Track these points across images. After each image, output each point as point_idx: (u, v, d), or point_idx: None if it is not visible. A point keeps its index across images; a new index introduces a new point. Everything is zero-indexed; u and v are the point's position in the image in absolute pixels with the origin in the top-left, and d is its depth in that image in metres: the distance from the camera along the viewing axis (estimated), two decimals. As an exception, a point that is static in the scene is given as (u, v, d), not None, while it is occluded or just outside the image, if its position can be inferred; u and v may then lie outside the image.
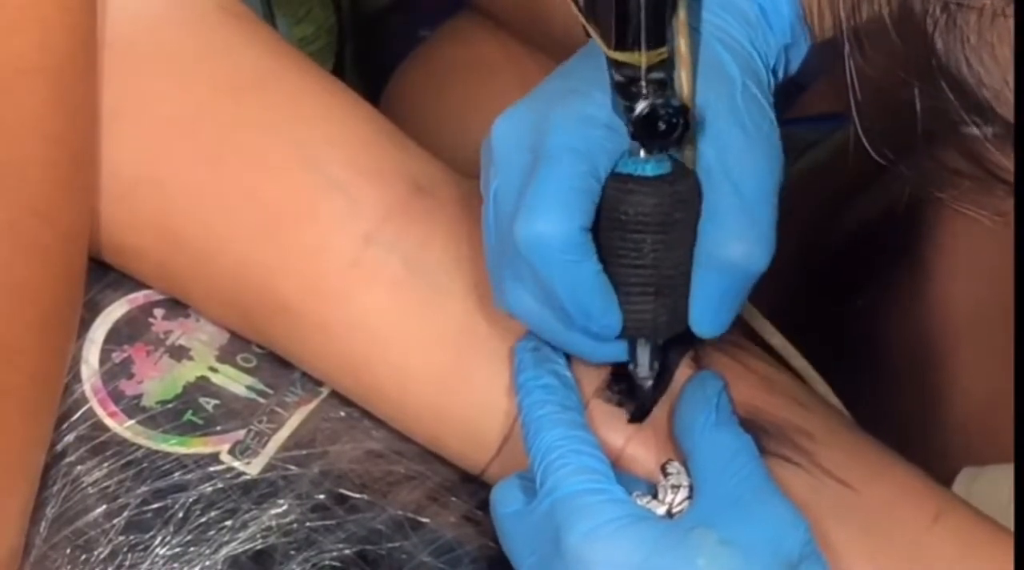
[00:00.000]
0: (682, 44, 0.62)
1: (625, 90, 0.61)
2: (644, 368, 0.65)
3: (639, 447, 0.66)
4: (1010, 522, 0.64)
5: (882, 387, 0.92)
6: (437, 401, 0.67)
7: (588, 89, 0.62)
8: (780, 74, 0.68)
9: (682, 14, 0.62)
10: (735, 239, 0.62)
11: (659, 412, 0.66)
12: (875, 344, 0.95)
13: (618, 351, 0.65)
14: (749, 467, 0.62)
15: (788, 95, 0.99)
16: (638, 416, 0.66)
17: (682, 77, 0.62)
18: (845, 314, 0.97)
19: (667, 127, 0.60)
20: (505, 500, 0.64)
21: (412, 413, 0.68)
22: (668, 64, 0.61)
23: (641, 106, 0.60)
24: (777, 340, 0.71)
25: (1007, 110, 0.54)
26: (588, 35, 0.63)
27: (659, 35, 0.60)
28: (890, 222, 0.95)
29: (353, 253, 0.67)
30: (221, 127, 0.68)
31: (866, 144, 0.59)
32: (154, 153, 0.68)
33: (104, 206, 0.68)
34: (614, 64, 0.61)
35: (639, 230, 0.62)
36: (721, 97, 0.63)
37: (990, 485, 0.82)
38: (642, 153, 0.62)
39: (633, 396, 0.66)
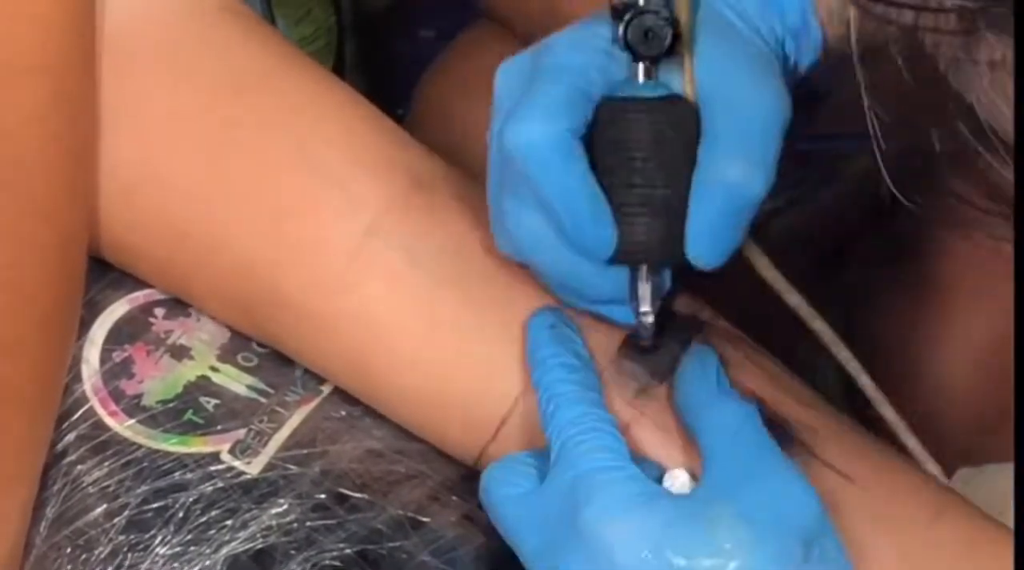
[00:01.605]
0: None
1: (622, 12, 0.62)
2: (646, 301, 0.64)
3: (643, 431, 0.66)
4: (1007, 523, 0.64)
5: (880, 388, 0.92)
6: (436, 389, 0.68)
7: (590, 24, 0.64)
8: (791, 58, 0.68)
9: None
10: (733, 160, 0.62)
11: (662, 391, 0.66)
12: (874, 346, 0.95)
13: (619, 281, 0.64)
14: (757, 439, 0.62)
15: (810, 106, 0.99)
16: (648, 385, 0.66)
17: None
18: (844, 316, 0.97)
19: (656, 37, 0.62)
20: (506, 481, 0.63)
21: (411, 403, 0.68)
22: None
23: (630, 14, 0.62)
24: (794, 298, 0.70)
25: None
26: None
27: None
28: (889, 230, 0.95)
29: (353, 246, 0.67)
30: (221, 124, 0.69)
31: (887, 180, 0.59)
32: (154, 151, 0.69)
33: (104, 204, 0.69)
34: None
35: (629, 148, 0.62)
36: (722, 34, 0.64)
37: (986, 486, 0.82)
38: (640, 77, 0.63)
39: (644, 368, 0.66)
